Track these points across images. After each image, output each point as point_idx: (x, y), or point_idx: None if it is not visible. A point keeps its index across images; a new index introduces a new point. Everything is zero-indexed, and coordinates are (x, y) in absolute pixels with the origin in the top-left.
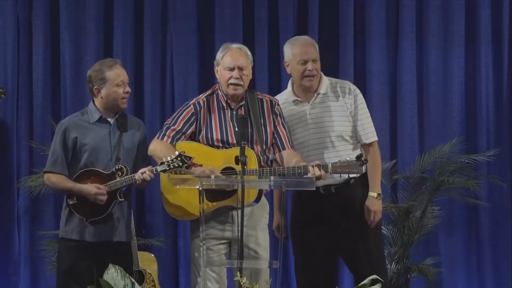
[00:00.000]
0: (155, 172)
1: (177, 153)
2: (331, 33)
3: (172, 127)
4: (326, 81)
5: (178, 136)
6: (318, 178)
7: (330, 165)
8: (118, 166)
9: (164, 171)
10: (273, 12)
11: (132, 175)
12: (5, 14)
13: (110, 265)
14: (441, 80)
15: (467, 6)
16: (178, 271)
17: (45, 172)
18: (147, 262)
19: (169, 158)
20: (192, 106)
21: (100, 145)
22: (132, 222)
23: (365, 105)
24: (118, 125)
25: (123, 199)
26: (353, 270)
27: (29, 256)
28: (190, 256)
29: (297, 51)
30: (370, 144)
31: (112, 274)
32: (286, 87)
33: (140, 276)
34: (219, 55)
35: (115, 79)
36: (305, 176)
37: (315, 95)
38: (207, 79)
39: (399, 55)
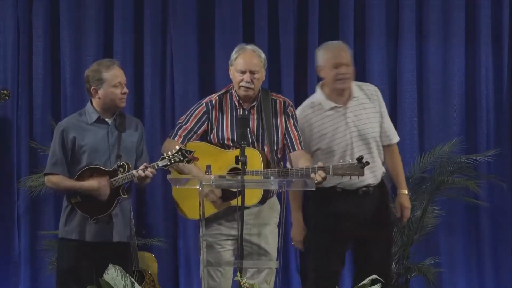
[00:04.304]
0: (156, 167)
1: (177, 147)
2: (331, 33)
3: (184, 126)
4: (354, 85)
5: (190, 135)
6: (322, 181)
7: (331, 167)
8: (120, 163)
9: (165, 166)
10: (273, 12)
11: (132, 171)
12: (5, 14)
13: (110, 265)
14: (441, 80)
15: (467, 6)
16: (178, 271)
17: (45, 174)
18: (147, 262)
19: (169, 153)
20: (204, 105)
21: (98, 145)
22: (132, 222)
23: (385, 107)
24: (116, 125)
25: (126, 196)
26: (363, 269)
27: (29, 256)
28: (190, 256)
29: (330, 55)
30: (394, 145)
31: (112, 274)
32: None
33: (140, 276)
34: (233, 56)
35: (112, 80)
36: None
37: (352, 98)
38: (207, 79)
39: (399, 55)
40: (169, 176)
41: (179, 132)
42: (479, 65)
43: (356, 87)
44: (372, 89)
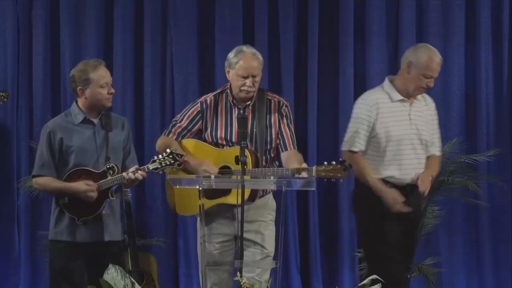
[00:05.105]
0: (146, 170)
1: (168, 150)
2: (331, 33)
3: (179, 124)
4: None
5: (184, 133)
6: None
7: (314, 169)
8: (109, 165)
9: (156, 169)
10: (273, 12)
11: (122, 174)
12: (5, 14)
13: (110, 265)
14: (441, 80)
15: (467, 6)
16: (178, 271)
17: (33, 176)
18: (147, 262)
19: (160, 156)
20: (199, 104)
21: (85, 146)
22: (132, 221)
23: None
24: (103, 124)
25: (114, 198)
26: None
27: (29, 256)
28: (190, 256)
29: (432, 64)
30: (435, 156)
31: (112, 274)
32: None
33: (140, 276)
34: (232, 59)
35: (99, 80)
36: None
37: (418, 99)
38: (207, 79)
39: (399, 55)
40: (169, 176)
41: (173, 130)
42: (479, 65)
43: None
44: (430, 100)
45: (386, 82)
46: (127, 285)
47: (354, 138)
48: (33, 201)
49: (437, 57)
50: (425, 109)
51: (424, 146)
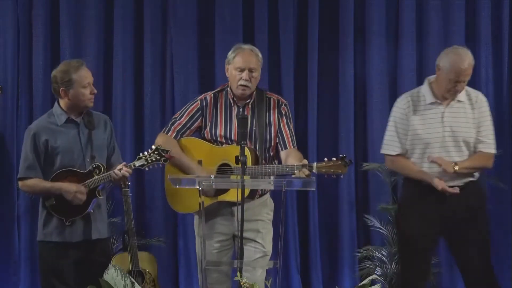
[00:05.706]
0: (133, 167)
1: (153, 147)
2: (331, 33)
3: (178, 122)
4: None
5: (183, 131)
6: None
7: (315, 165)
8: (95, 165)
9: (142, 165)
10: (273, 12)
11: (109, 172)
12: (5, 14)
13: (110, 265)
14: None
15: (467, 6)
16: (178, 271)
17: (19, 178)
18: (147, 262)
19: (146, 153)
20: (198, 101)
21: (71, 146)
22: (132, 221)
23: (490, 116)
24: (86, 123)
25: (101, 197)
26: (464, 271)
27: (29, 256)
28: (190, 256)
29: (461, 69)
30: (485, 153)
31: (112, 274)
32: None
33: (140, 276)
34: (230, 54)
35: (82, 81)
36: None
37: (456, 101)
38: (207, 79)
39: (399, 55)
40: (169, 176)
41: (172, 127)
42: (479, 65)
43: (463, 92)
44: (477, 96)
45: (425, 84)
46: (127, 285)
47: (391, 142)
48: (33, 201)
49: (464, 62)
50: (467, 107)
51: (462, 146)
